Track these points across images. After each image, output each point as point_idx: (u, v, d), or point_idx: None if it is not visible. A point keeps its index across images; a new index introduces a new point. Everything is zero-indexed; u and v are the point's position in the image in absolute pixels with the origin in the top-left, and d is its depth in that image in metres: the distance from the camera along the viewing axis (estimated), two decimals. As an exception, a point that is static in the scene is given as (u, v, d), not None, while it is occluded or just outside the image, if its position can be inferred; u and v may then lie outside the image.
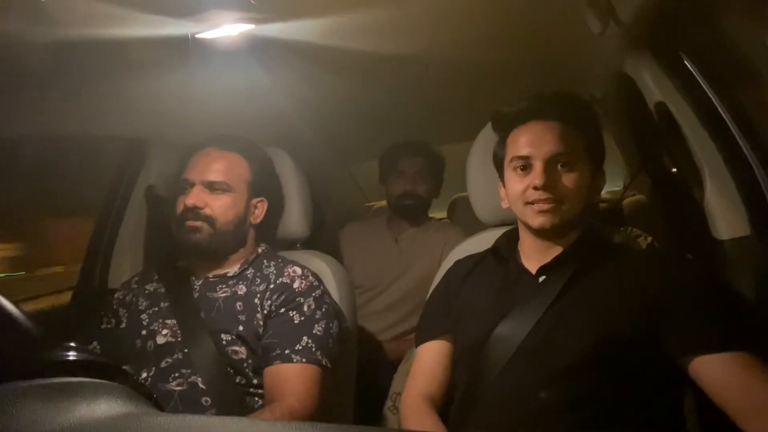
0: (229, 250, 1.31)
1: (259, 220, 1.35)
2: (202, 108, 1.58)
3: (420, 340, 1.18)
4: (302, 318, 1.20)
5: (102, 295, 1.54)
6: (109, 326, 1.32)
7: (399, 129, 2.19)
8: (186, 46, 1.16)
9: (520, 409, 0.94)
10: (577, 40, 1.36)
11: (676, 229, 1.83)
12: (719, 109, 1.19)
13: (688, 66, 1.24)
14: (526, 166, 1.04)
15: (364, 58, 1.40)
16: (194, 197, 1.26)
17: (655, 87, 1.27)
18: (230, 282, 1.27)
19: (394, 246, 2.06)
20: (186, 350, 1.18)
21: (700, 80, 1.22)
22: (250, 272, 1.29)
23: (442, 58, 1.48)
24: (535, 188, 1.00)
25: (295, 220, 1.45)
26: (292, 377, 1.14)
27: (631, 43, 1.31)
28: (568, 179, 1.01)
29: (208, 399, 1.14)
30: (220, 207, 1.27)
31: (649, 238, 1.64)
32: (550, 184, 1.00)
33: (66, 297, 1.62)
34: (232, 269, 1.30)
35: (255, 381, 1.19)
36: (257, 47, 1.25)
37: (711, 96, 1.20)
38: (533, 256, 1.08)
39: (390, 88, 1.76)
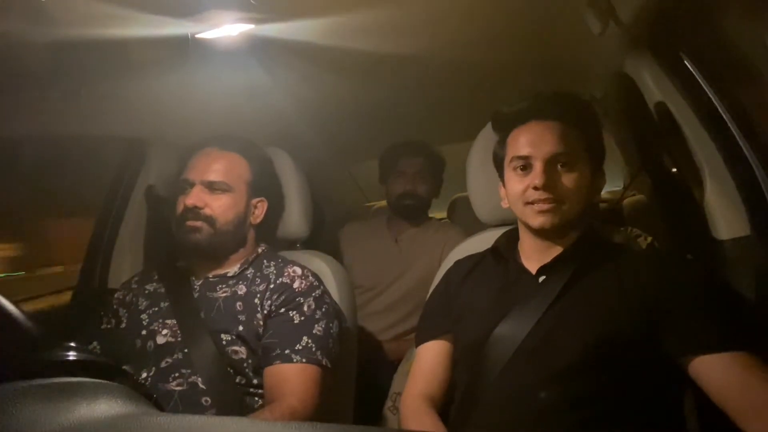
0: (229, 250, 1.31)
1: (259, 220, 1.35)
2: (202, 108, 1.58)
3: (420, 340, 1.18)
4: (302, 318, 1.20)
5: (102, 295, 1.54)
6: (109, 326, 1.32)
7: (399, 129, 2.19)
8: (186, 46, 1.16)
9: (520, 409, 0.94)
10: (577, 40, 1.36)
11: (676, 229, 1.83)
12: (719, 109, 1.19)
13: (688, 66, 1.24)
14: (526, 166, 1.04)
15: (364, 58, 1.40)
16: (194, 197, 1.26)
17: (655, 87, 1.27)
18: (230, 282, 1.27)
19: (394, 246, 2.06)
20: (186, 350, 1.18)
21: (700, 80, 1.22)
22: (250, 272, 1.29)
23: (442, 58, 1.48)
24: (535, 188, 1.00)
25: (295, 220, 1.45)
26: (292, 377, 1.14)
27: (631, 43, 1.31)
28: (568, 179, 1.01)
29: (208, 399, 1.14)
30: (220, 207, 1.27)
31: (649, 238, 1.64)
32: (550, 184, 1.00)
33: (66, 297, 1.62)
34: (232, 269, 1.30)
35: (255, 381, 1.19)
36: (257, 47, 1.25)
37: (711, 96, 1.20)
38: (533, 256, 1.08)
39: (390, 88, 1.76)
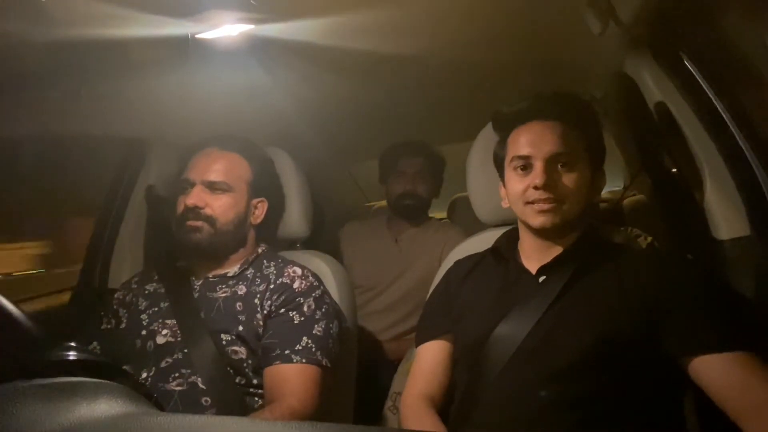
0: (229, 250, 1.31)
1: (259, 220, 1.35)
2: (202, 108, 1.58)
3: (420, 340, 1.18)
4: (302, 318, 1.20)
5: (102, 295, 1.54)
6: (109, 326, 1.32)
7: (399, 129, 2.19)
8: (186, 46, 1.16)
9: (520, 409, 0.94)
10: (577, 40, 1.36)
11: (676, 229, 1.83)
12: (719, 109, 1.19)
13: (688, 66, 1.24)
14: (526, 165, 1.04)
15: (364, 58, 1.40)
16: (195, 197, 1.26)
17: (655, 87, 1.27)
18: (230, 282, 1.27)
19: (394, 246, 2.06)
20: (186, 350, 1.18)
21: (700, 80, 1.22)
22: (250, 272, 1.29)
23: (442, 58, 1.48)
24: (536, 188, 1.00)
25: (295, 220, 1.45)
26: (292, 377, 1.14)
27: (631, 43, 1.31)
28: (568, 179, 1.01)
29: (208, 399, 1.14)
30: (220, 207, 1.27)
31: (649, 238, 1.64)
32: (550, 184, 1.00)
33: (66, 297, 1.62)
34: (232, 269, 1.30)
35: (255, 381, 1.19)
36: (257, 47, 1.25)
37: (711, 96, 1.20)
38: (533, 255, 1.08)
39: (390, 88, 1.76)
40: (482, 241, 1.28)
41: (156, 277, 1.34)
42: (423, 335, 1.18)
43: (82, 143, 1.53)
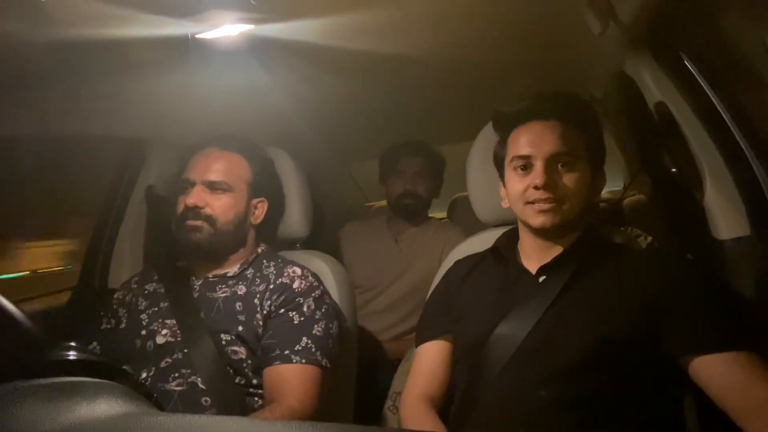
0: (229, 250, 1.31)
1: (259, 220, 1.35)
2: (202, 108, 1.58)
3: (420, 340, 1.18)
4: (302, 318, 1.20)
5: (102, 295, 1.54)
6: (108, 326, 1.32)
7: (399, 129, 2.19)
8: (186, 46, 1.16)
9: (520, 409, 0.94)
10: (577, 40, 1.36)
11: (676, 229, 1.83)
12: (719, 109, 1.19)
13: (688, 66, 1.24)
14: (526, 165, 1.04)
15: (364, 58, 1.40)
16: (195, 197, 1.26)
17: (655, 87, 1.27)
18: (230, 282, 1.27)
19: (394, 246, 2.06)
20: (186, 350, 1.18)
21: (700, 80, 1.22)
22: (249, 272, 1.29)
23: (442, 58, 1.48)
24: (536, 188, 1.00)
25: (295, 220, 1.45)
26: (292, 378, 1.14)
27: (631, 43, 1.31)
28: (568, 179, 1.01)
29: (208, 399, 1.14)
30: (220, 207, 1.27)
31: (649, 238, 1.64)
32: (550, 184, 1.00)
33: (66, 297, 1.62)
34: (232, 269, 1.30)
35: (255, 381, 1.19)
36: (257, 47, 1.25)
37: (711, 96, 1.20)
38: (533, 256, 1.08)
39: (390, 88, 1.76)
40: (482, 241, 1.28)
41: (156, 277, 1.34)
42: (423, 335, 1.18)
43: (82, 143, 1.53)
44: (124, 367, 0.46)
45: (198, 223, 1.25)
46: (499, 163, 1.14)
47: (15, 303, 0.41)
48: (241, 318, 1.20)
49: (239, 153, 1.33)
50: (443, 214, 2.78)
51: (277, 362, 1.15)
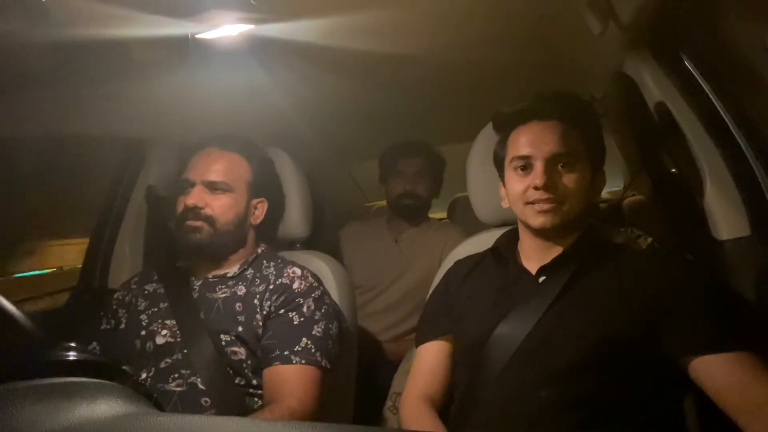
0: (229, 251, 1.31)
1: (259, 220, 1.35)
2: (202, 108, 1.58)
3: (420, 341, 1.18)
4: (301, 319, 1.20)
5: (102, 296, 1.54)
6: (108, 327, 1.32)
7: (399, 129, 2.19)
8: (186, 47, 1.16)
9: (520, 409, 0.94)
10: (577, 40, 1.36)
11: (676, 229, 1.83)
12: (719, 109, 1.19)
13: (688, 66, 1.24)
14: (526, 166, 1.04)
15: (364, 58, 1.40)
16: (195, 197, 1.26)
17: (655, 87, 1.27)
18: (230, 282, 1.27)
19: (394, 246, 2.06)
20: (185, 351, 1.18)
21: (700, 80, 1.22)
22: (249, 273, 1.29)
23: (442, 58, 1.48)
24: (536, 188, 1.00)
25: (295, 220, 1.45)
26: (291, 378, 1.14)
27: (631, 43, 1.31)
28: (568, 179, 1.01)
29: (208, 399, 1.14)
30: (220, 207, 1.27)
31: (650, 239, 1.64)
32: (550, 184, 1.00)
33: (66, 297, 1.62)
34: (232, 270, 1.29)
35: (254, 382, 1.19)
36: (257, 47, 1.25)
37: (711, 96, 1.20)
38: (533, 256, 1.08)
39: (390, 88, 1.76)
40: (482, 242, 1.28)
41: (156, 278, 1.34)
42: (423, 335, 1.18)
43: (83, 143, 1.53)
44: (123, 367, 0.46)
45: (198, 223, 1.25)
46: (499, 163, 1.14)
47: (15, 303, 0.41)
48: (241, 318, 1.20)
49: (239, 153, 1.33)
50: (443, 214, 2.79)
51: (277, 363, 1.15)
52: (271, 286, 1.23)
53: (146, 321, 1.25)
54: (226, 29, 1.16)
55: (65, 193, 1.92)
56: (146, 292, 1.31)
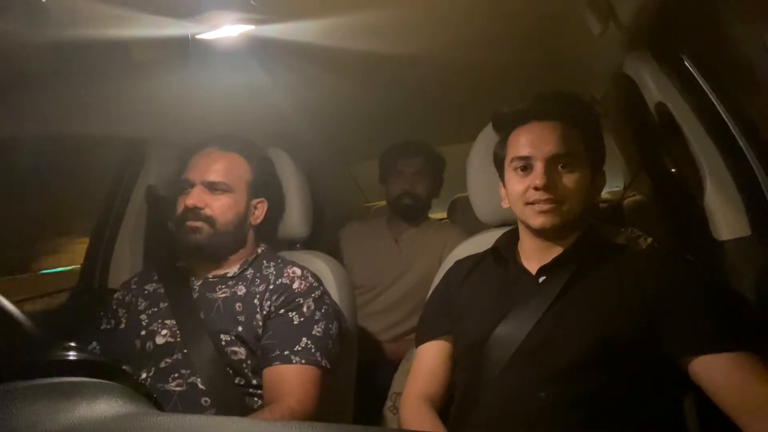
0: (228, 251, 1.31)
1: (259, 220, 1.35)
2: (202, 108, 1.58)
3: (420, 341, 1.18)
4: (301, 319, 1.20)
5: (102, 296, 1.54)
6: (108, 327, 1.32)
7: (399, 129, 2.19)
8: (186, 47, 1.16)
9: (520, 409, 0.94)
10: (577, 40, 1.36)
11: (676, 229, 1.83)
12: (719, 110, 1.19)
13: (688, 66, 1.24)
14: (526, 166, 1.04)
15: (364, 58, 1.40)
16: (194, 197, 1.25)
17: (655, 87, 1.27)
18: (230, 282, 1.27)
19: (394, 246, 2.06)
20: (185, 351, 1.18)
21: (700, 81, 1.22)
22: (249, 273, 1.29)
23: (442, 58, 1.48)
24: (536, 188, 1.00)
25: (295, 220, 1.45)
26: (291, 378, 1.14)
27: (631, 43, 1.31)
28: (568, 180, 1.01)
29: (208, 399, 1.14)
30: (220, 207, 1.27)
31: (650, 239, 1.64)
32: (550, 185, 1.00)
33: (66, 297, 1.62)
34: (232, 270, 1.29)
35: (254, 381, 1.19)
36: (257, 48, 1.25)
37: (711, 96, 1.20)
38: (533, 256, 1.08)
39: (390, 88, 1.76)
40: (482, 242, 1.28)
41: (155, 278, 1.34)
42: (423, 335, 1.18)
43: (83, 143, 1.53)
44: (123, 367, 0.46)
45: (198, 224, 1.25)
46: (499, 163, 1.14)
47: (15, 303, 0.41)
48: (241, 318, 1.20)
49: (239, 153, 1.33)
50: (443, 215, 2.79)
51: (277, 362, 1.15)
52: (271, 286, 1.23)
53: (146, 321, 1.25)
54: (227, 30, 1.16)
55: (66, 193, 1.93)
56: (146, 292, 1.31)
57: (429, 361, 1.14)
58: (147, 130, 1.59)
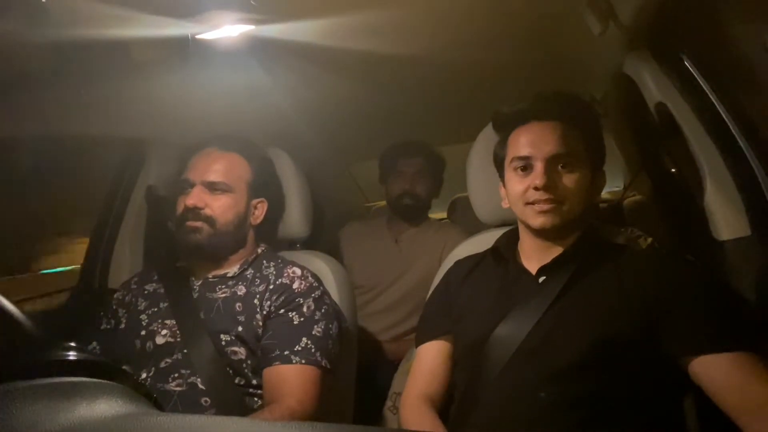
0: (228, 251, 1.31)
1: (259, 220, 1.35)
2: (202, 108, 1.58)
3: (420, 341, 1.18)
4: (301, 319, 1.20)
5: (102, 296, 1.54)
6: (108, 327, 1.32)
7: (399, 129, 2.19)
8: (186, 47, 1.16)
9: (520, 409, 0.94)
10: (577, 40, 1.36)
11: (676, 229, 1.83)
12: (719, 110, 1.19)
13: (688, 66, 1.24)
14: (526, 166, 1.04)
15: (364, 58, 1.40)
16: (194, 197, 1.25)
17: (655, 87, 1.27)
18: (230, 282, 1.27)
19: (394, 246, 2.06)
20: (185, 351, 1.18)
21: (700, 81, 1.22)
22: (249, 273, 1.29)
23: (442, 58, 1.48)
24: (536, 189, 1.00)
25: (295, 220, 1.45)
26: (291, 378, 1.14)
27: (631, 43, 1.31)
28: (568, 180, 1.01)
29: (208, 399, 1.14)
30: (220, 207, 1.27)
31: (650, 239, 1.64)
32: (550, 185, 1.00)
33: (66, 297, 1.62)
34: (232, 270, 1.29)
35: (254, 381, 1.19)
36: (257, 48, 1.25)
37: (711, 96, 1.20)
38: (533, 256, 1.08)
39: (390, 88, 1.76)
40: (482, 242, 1.28)
41: (156, 278, 1.34)
42: (423, 335, 1.18)
43: (83, 143, 1.53)
44: (123, 367, 0.46)
45: (197, 224, 1.25)
46: (499, 163, 1.14)
47: (15, 303, 0.41)
48: (241, 318, 1.20)
49: (239, 153, 1.33)
50: (443, 215, 2.79)
51: (277, 362, 1.15)
52: (271, 286, 1.23)
53: (146, 321, 1.25)
54: (227, 30, 1.16)
55: (66, 193, 1.93)
56: (146, 292, 1.31)
57: (429, 361, 1.14)
58: (147, 130, 1.59)
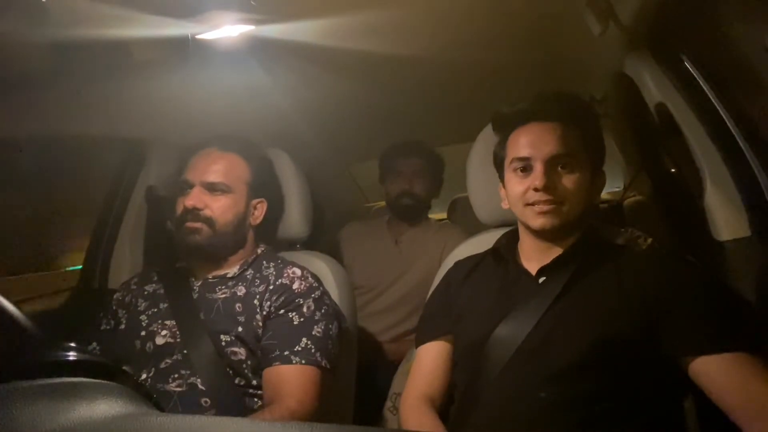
0: (228, 251, 1.31)
1: (258, 221, 1.35)
2: (202, 108, 1.58)
3: (420, 341, 1.18)
4: (301, 319, 1.20)
5: (102, 296, 1.54)
6: (108, 327, 1.32)
7: (399, 129, 2.19)
8: (186, 47, 1.16)
9: (520, 410, 0.93)
10: (577, 40, 1.36)
11: (676, 229, 1.83)
12: (719, 110, 1.19)
13: (688, 66, 1.24)
14: (526, 167, 1.04)
15: (364, 58, 1.40)
16: (194, 198, 1.25)
17: (655, 87, 1.27)
18: (230, 283, 1.27)
19: (394, 247, 2.06)
20: (185, 351, 1.17)
21: (700, 81, 1.22)
22: (249, 273, 1.29)
23: (442, 58, 1.49)
24: (536, 189, 1.00)
25: (295, 220, 1.45)
26: (291, 378, 1.14)
27: (631, 44, 1.31)
28: (568, 180, 1.01)
29: (208, 400, 1.14)
30: (219, 208, 1.27)
31: (650, 239, 1.64)
32: (550, 186, 1.00)
33: (66, 297, 1.62)
34: (232, 270, 1.29)
35: (254, 382, 1.19)
36: (257, 48, 1.25)
37: (711, 96, 1.20)
38: (533, 256, 1.08)
39: (390, 88, 1.77)
40: (482, 242, 1.28)
41: (155, 278, 1.34)
42: (423, 336, 1.18)
43: (83, 143, 1.53)
44: (123, 367, 0.46)
45: (197, 224, 1.24)
46: (498, 164, 1.14)
47: (15, 303, 0.41)
48: (241, 319, 1.20)
49: (238, 153, 1.33)
50: (443, 215, 2.79)
51: (277, 363, 1.15)
52: (271, 287, 1.23)
53: (146, 321, 1.25)
54: (227, 30, 1.16)
55: (66, 193, 1.93)
56: (146, 292, 1.31)
57: (429, 362, 1.14)
58: (147, 130, 1.59)
